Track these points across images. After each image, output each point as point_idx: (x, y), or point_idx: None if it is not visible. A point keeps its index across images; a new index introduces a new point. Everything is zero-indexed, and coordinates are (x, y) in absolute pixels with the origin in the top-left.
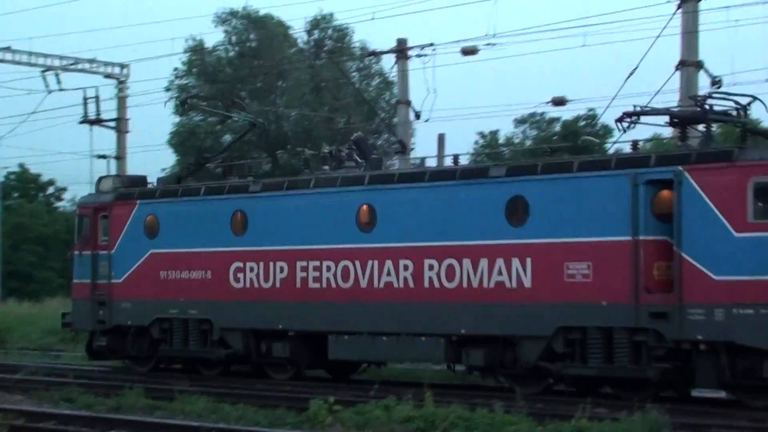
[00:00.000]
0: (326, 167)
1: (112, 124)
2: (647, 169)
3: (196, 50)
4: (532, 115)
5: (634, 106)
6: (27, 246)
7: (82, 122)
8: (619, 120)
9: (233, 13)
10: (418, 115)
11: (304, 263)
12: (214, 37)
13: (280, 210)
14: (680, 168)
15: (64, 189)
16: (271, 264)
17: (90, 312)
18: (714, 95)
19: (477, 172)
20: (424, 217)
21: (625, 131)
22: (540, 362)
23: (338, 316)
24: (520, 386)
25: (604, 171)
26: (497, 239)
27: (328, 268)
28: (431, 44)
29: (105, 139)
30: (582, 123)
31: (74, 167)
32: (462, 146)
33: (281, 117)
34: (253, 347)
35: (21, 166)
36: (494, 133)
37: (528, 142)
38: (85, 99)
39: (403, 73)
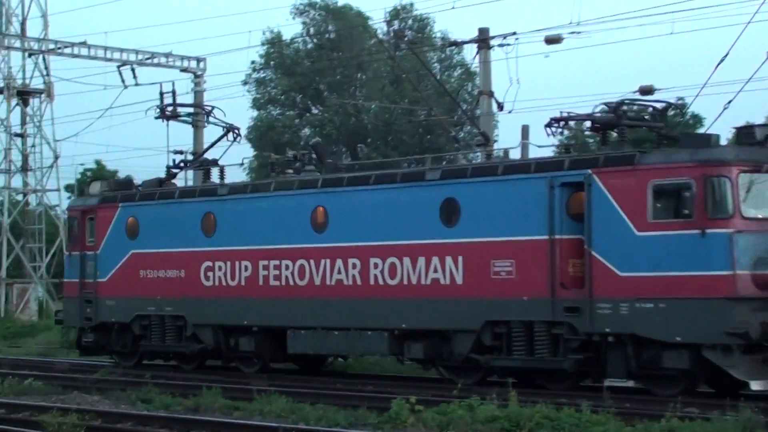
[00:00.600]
0: (290, 171)
1: (189, 119)
2: (562, 173)
3: (274, 43)
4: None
5: (561, 112)
6: None
7: (158, 117)
8: (548, 125)
9: (311, 4)
10: (501, 106)
11: (266, 262)
12: (292, 29)
13: (245, 212)
14: (589, 171)
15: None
16: (237, 263)
17: (78, 309)
18: (627, 102)
19: (415, 176)
20: (370, 218)
21: (553, 135)
22: (471, 354)
23: (296, 312)
24: (458, 377)
25: (524, 174)
26: (433, 239)
27: (287, 267)
28: (514, 33)
29: (182, 134)
30: (671, 113)
31: (152, 163)
32: (546, 138)
33: (361, 110)
34: (223, 342)
35: (98, 162)
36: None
37: (614, 132)
38: (162, 94)
39: (485, 64)
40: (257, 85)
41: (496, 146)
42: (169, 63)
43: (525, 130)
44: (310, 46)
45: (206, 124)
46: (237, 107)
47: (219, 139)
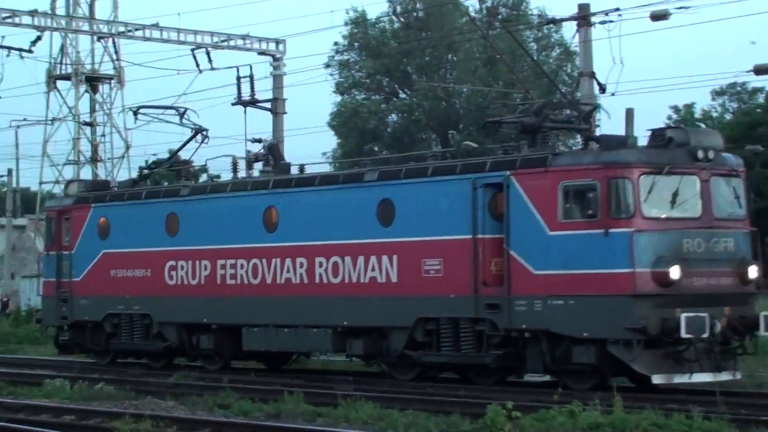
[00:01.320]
0: (251, 171)
1: (268, 105)
2: (484, 174)
3: (358, 22)
4: (732, 85)
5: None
6: None
7: (235, 104)
8: (482, 127)
9: None
10: (603, 89)
11: (223, 261)
12: (377, 7)
13: (205, 212)
14: (508, 173)
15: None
16: (198, 262)
17: (55, 308)
18: (548, 105)
19: (355, 177)
20: (315, 218)
21: (490, 137)
22: (405, 350)
23: (250, 310)
24: (397, 373)
25: (451, 176)
26: (371, 238)
27: (242, 266)
28: (617, 9)
29: (260, 121)
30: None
31: (227, 152)
32: (653, 121)
33: (452, 93)
34: (186, 340)
35: (171, 152)
36: (689, 107)
37: (728, 116)
38: (239, 78)
39: (586, 43)
40: (340, 68)
41: (598, 131)
42: (246, 45)
43: (629, 114)
44: (396, 25)
45: (179, 125)
46: (318, 92)
47: (188, 141)
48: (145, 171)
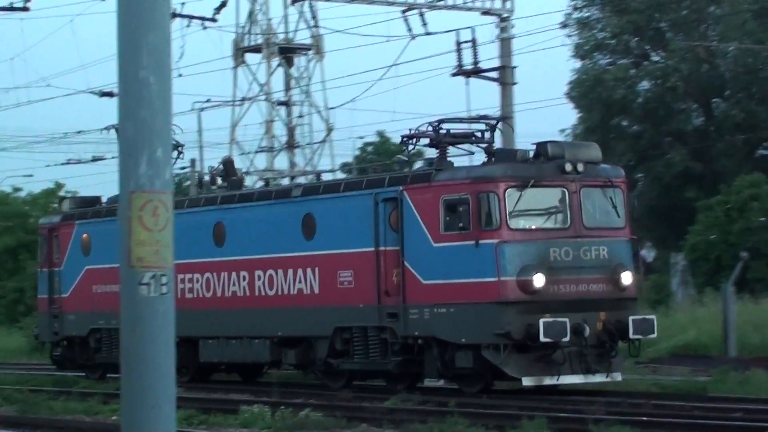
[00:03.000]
0: (214, 187)
1: (494, 74)
2: (383, 189)
3: None
4: None
5: (410, 129)
6: None
7: (455, 74)
8: (402, 142)
9: None
10: None
11: (182, 276)
12: None
13: (105, 234)
14: (401, 188)
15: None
16: None
17: (48, 324)
18: (446, 121)
19: (284, 193)
20: (255, 233)
21: (409, 151)
22: (328, 359)
23: (204, 323)
24: (330, 381)
25: (358, 191)
26: (297, 251)
27: (197, 280)
28: None
29: (486, 93)
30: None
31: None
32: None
33: (715, 54)
34: None
35: (380, 134)
36: None
37: None
38: (459, 44)
39: None
40: (580, 28)
41: None
42: (467, 5)
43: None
44: None
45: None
46: (554, 58)
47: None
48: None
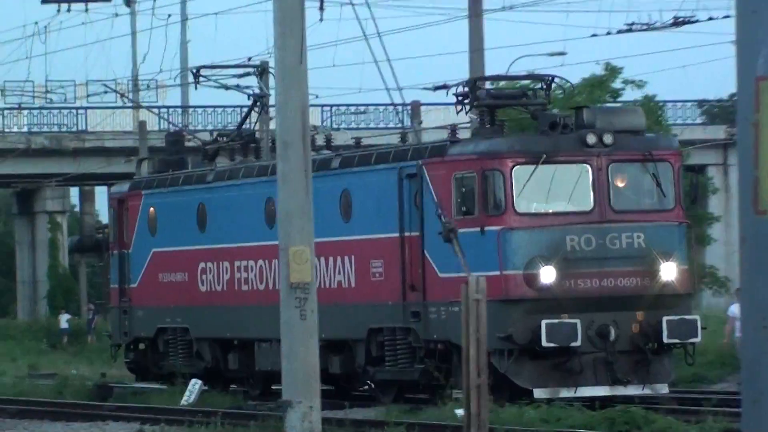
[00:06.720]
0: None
1: None
2: (406, 163)
3: None
4: None
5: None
6: None
7: None
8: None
9: None
10: None
11: (237, 263)
12: None
13: (173, 208)
14: (420, 162)
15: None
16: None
17: (118, 322)
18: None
19: (323, 164)
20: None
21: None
22: (367, 366)
23: (260, 322)
24: (380, 394)
25: (384, 164)
26: (336, 236)
27: (251, 268)
28: None
29: None
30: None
31: None
32: None
33: None
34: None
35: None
36: None
37: None
38: None
39: None
40: None
41: None
42: None
43: None
44: None
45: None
46: None
47: (249, 112)
48: (208, 147)
